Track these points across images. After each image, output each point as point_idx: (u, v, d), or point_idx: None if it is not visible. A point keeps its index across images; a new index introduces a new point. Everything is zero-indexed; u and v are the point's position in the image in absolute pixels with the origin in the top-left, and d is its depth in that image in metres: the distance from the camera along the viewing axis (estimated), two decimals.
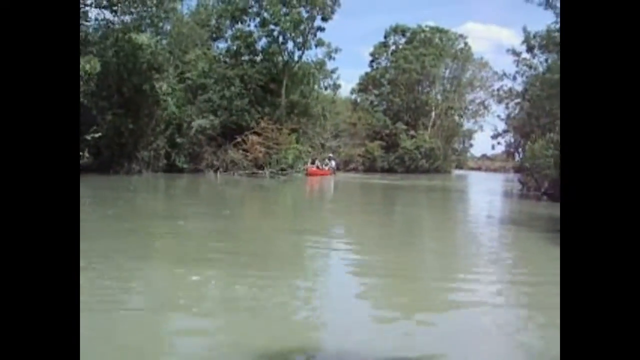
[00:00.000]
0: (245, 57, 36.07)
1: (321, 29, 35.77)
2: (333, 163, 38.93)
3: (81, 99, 19.02)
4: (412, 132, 51.59)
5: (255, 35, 36.02)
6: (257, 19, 35.59)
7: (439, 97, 56.09)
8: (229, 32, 36.14)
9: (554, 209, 15.35)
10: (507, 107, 45.00)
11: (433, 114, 54.40)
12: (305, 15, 34.80)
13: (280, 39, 35.62)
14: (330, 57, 37.79)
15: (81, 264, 6.32)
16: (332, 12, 34.93)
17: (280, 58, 36.16)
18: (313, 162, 36.01)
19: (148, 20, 25.13)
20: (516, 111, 42.70)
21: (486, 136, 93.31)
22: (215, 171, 31.10)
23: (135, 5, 23.84)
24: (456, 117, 59.72)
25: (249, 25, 36.12)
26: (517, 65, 35.22)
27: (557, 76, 22.78)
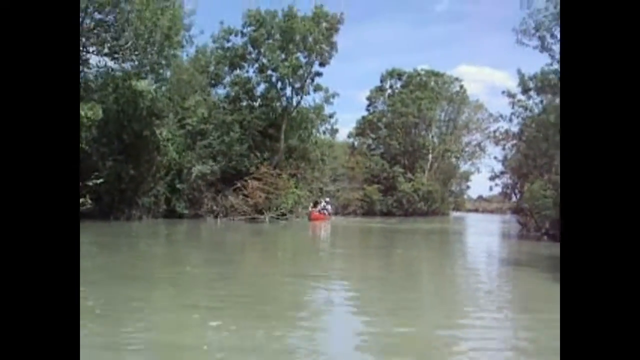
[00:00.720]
0: (244, 103, 36.41)
1: (319, 74, 36.27)
2: (329, 207, 38.70)
3: (82, 146, 19.08)
4: (409, 175, 51.67)
5: (254, 81, 36.49)
6: (256, 65, 36.04)
7: (435, 140, 56.47)
8: (228, 78, 36.47)
9: (556, 249, 15.36)
10: (503, 149, 45.27)
11: (430, 156, 54.68)
12: (303, 60, 35.25)
13: (279, 84, 36.06)
14: (328, 102, 38.11)
15: (97, 312, 6.33)
16: (330, 57, 35.46)
17: (278, 103, 36.54)
18: (315, 206, 35.95)
19: (148, 67, 25.37)
20: (512, 152, 42.94)
21: (482, 178, 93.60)
22: (216, 216, 30.96)
23: (137, 52, 24.14)
24: (453, 160, 60.12)
25: (247, 71, 36.62)
26: (513, 107, 35.54)
27: (552, 117, 23.05)
